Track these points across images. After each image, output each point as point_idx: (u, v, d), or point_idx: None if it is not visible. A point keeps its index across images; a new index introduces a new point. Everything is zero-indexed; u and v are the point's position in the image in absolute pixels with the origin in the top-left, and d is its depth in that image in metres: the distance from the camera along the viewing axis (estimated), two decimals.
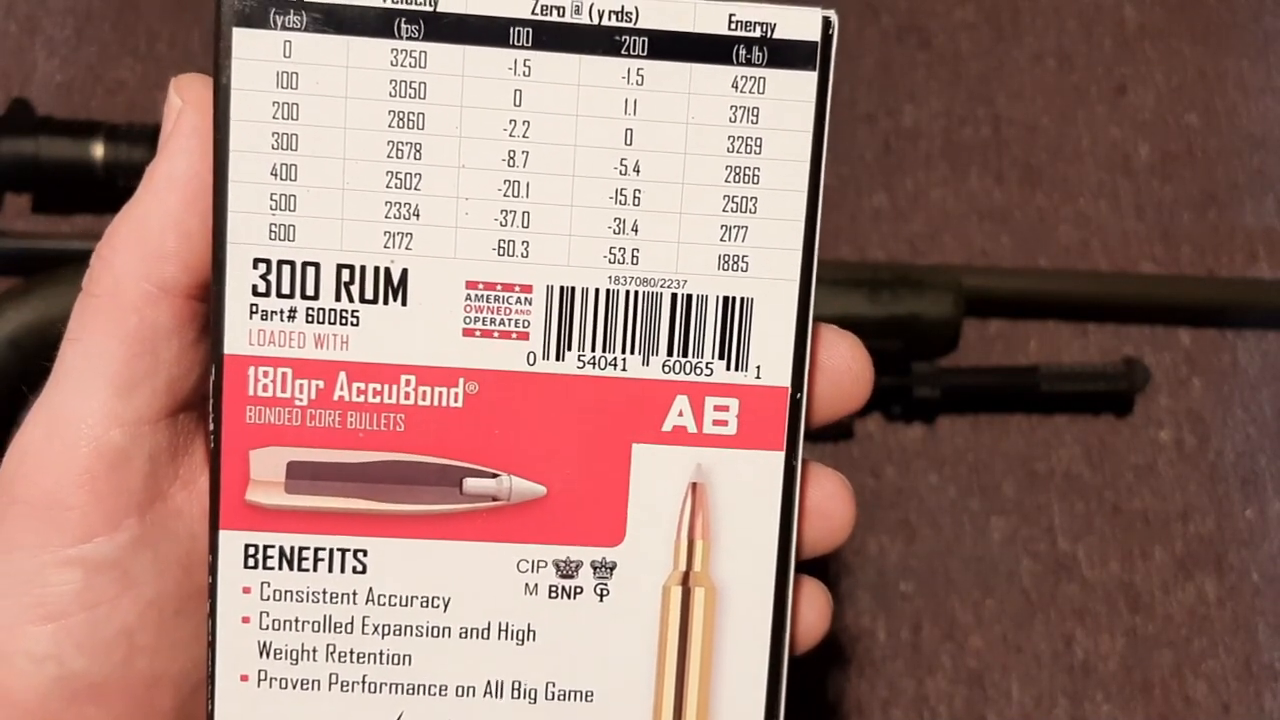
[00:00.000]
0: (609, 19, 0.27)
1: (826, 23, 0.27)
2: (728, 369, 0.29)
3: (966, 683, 0.57)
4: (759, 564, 0.29)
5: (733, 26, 0.27)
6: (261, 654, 0.28)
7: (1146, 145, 0.68)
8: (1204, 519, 0.61)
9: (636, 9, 0.27)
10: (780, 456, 0.29)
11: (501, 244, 0.28)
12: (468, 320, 0.28)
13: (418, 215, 0.27)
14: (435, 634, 0.28)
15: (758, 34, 0.27)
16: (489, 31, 0.27)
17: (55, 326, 0.57)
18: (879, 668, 0.57)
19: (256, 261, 0.27)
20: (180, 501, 0.27)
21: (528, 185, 0.27)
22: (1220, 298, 0.63)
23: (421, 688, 0.28)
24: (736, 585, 0.29)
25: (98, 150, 0.56)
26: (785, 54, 0.27)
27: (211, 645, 0.27)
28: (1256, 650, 0.59)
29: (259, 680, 0.27)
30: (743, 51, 0.27)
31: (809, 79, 0.27)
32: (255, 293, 0.27)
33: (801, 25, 0.27)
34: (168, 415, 0.26)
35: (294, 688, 0.28)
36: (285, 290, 0.27)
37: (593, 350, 0.28)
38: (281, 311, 0.27)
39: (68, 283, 0.56)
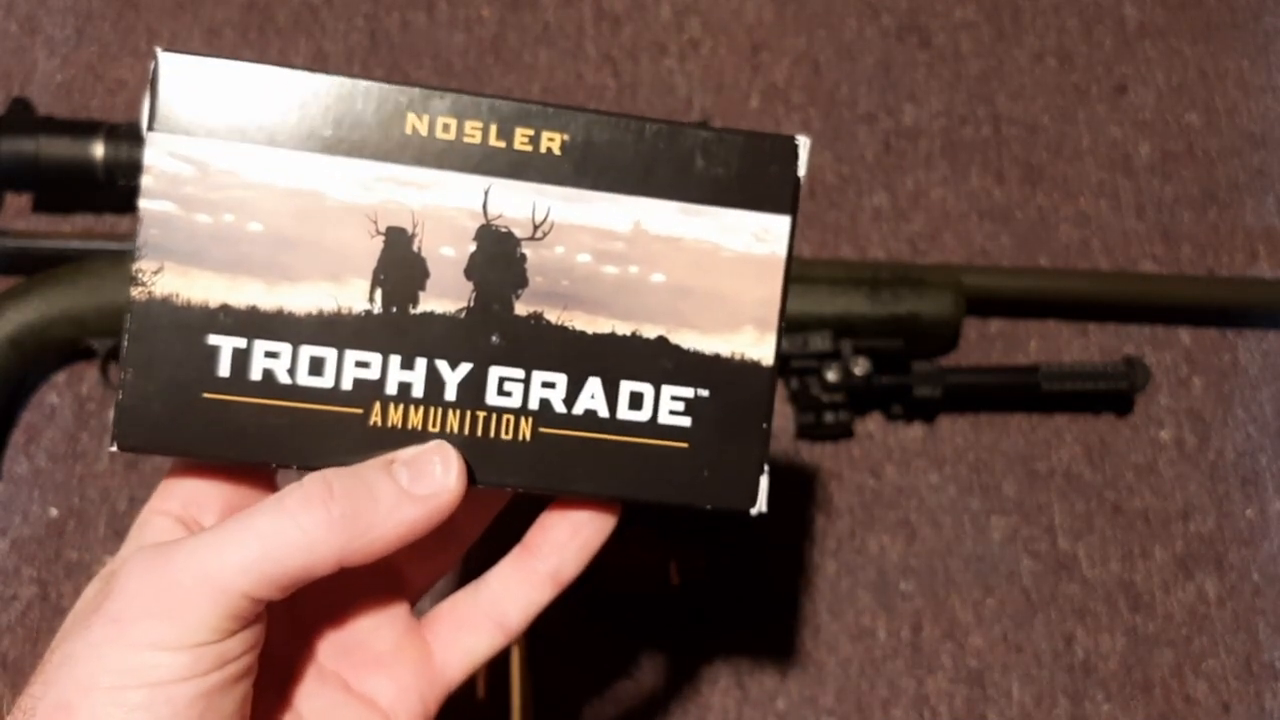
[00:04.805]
0: None
1: None
2: None
3: (967, 682, 0.57)
4: None
5: None
6: None
7: (1147, 144, 0.68)
8: (1204, 518, 0.61)
9: None
10: None
11: None
12: None
13: None
14: None
15: None
16: None
17: (55, 326, 0.58)
18: (879, 667, 0.57)
19: None
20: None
21: None
22: (1220, 297, 0.63)
23: None
24: None
25: (98, 150, 0.56)
26: None
27: None
28: (1257, 649, 0.59)
29: None
30: None
31: None
32: None
33: None
34: (291, 594, 0.30)
35: None
36: None
37: None
38: None
39: (68, 283, 0.56)
